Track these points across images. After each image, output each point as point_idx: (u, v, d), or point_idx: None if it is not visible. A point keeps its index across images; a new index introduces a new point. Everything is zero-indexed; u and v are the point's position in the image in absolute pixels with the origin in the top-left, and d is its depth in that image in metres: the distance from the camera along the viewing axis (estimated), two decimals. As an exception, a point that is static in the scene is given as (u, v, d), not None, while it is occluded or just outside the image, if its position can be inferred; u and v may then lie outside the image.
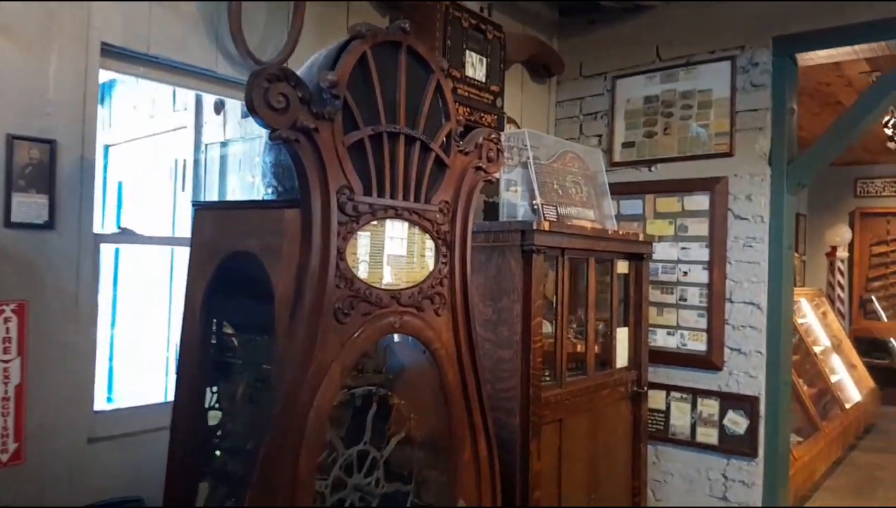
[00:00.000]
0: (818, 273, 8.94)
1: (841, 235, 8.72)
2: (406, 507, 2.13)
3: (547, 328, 2.77)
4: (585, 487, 2.85)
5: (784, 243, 3.53)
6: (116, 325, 3.36)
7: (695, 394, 3.73)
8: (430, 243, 2.07)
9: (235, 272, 1.89)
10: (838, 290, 8.92)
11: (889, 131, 6.47)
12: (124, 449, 2.31)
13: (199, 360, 1.98)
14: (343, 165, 1.74)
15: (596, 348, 3.06)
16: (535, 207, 2.81)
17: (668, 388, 3.81)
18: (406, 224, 1.99)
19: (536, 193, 2.83)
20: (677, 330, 3.78)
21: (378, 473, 2.06)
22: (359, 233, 1.84)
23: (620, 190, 3.95)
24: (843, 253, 8.83)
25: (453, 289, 2.14)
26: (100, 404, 2.51)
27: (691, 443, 3.73)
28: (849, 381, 7.01)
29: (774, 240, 3.53)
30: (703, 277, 3.71)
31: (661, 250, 3.81)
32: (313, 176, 1.68)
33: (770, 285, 3.54)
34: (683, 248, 3.77)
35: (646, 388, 3.20)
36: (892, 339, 8.96)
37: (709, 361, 3.67)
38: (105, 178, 3.62)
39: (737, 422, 3.59)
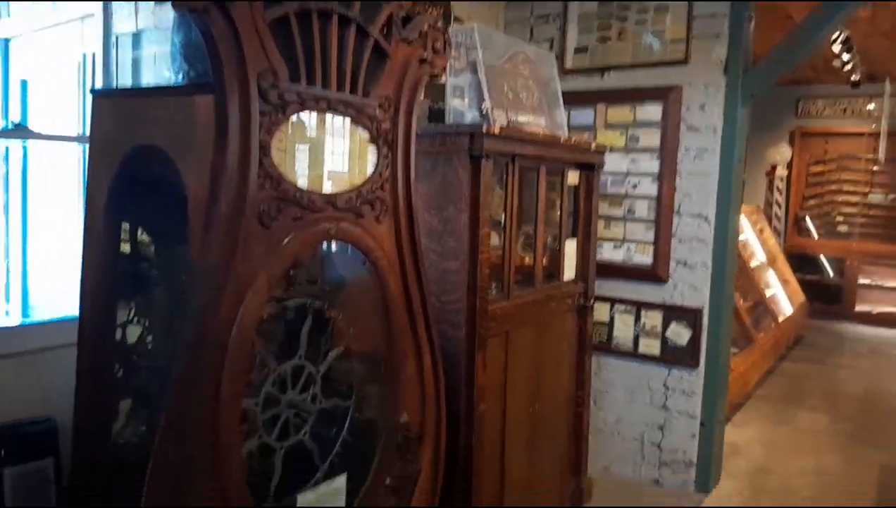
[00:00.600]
0: (757, 191, 9.08)
1: (781, 153, 8.83)
2: (344, 423, 2.01)
3: (495, 240, 2.64)
4: (529, 398, 2.79)
5: (735, 156, 3.46)
6: (29, 233, 3.06)
7: (639, 307, 3.71)
8: (369, 143, 1.88)
9: (144, 170, 1.66)
10: (776, 208, 9.11)
11: (836, 49, 6.44)
12: (32, 367, 2.10)
13: (103, 269, 1.77)
14: (265, 45, 1.51)
15: (544, 260, 2.95)
16: (484, 111, 2.62)
17: (613, 301, 3.78)
18: (341, 119, 1.78)
19: (486, 95, 2.63)
20: (624, 243, 3.72)
21: (315, 389, 1.92)
22: (286, 127, 1.63)
23: (571, 99, 3.75)
24: (782, 172, 8.96)
25: (396, 194, 1.96)
26: (7, 319, 2.28)
27: (634, 354, 3.74)
28: (782, 295, 7.22)
29: (726, 152, 3.45)
30: (652, 189, 3.62)
31: (611, 163, 3.69)
32: (228, 55, 1.45)
33: (719, 199, 3.48)
34: (633, 160, 3.67)
35: (592, 301, 3.13)
36: (822, 255, 9.27)
37: (654, 274, 3.63)
38: (6, 74, 3.24)
39: (679, 334, 3.60)
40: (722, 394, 3.66)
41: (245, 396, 1.72)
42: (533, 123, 2.90)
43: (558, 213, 2.96)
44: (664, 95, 3.53)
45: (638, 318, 3.72)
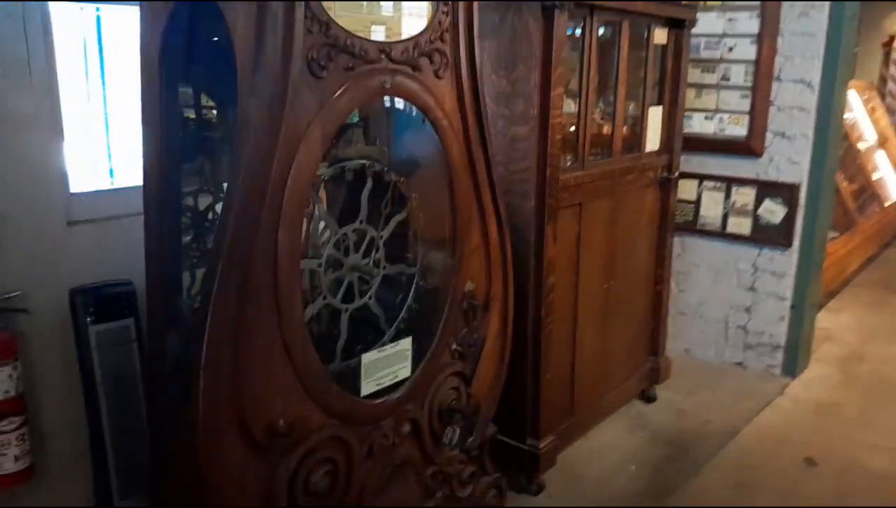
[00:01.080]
0: (870, 65, 8.23)
1: (903, 21, 7.90)
2: (410, 289, 1.98)
3: (570, 106, 2.46)
4: (603, 274, 2.69)
5: (846, 12, 3.06)
6: (108, 100, 3.03)
7: (730, 183, 3.46)
8: (423, -10, 1.72)
9: (195, 23, 1.58)
10: (891, 84, 8.27)
11: None
12: (107, 233, 2.15)
13: (164, 132, 1.73)
14: None
15: (624, 129, 2.76)
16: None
17: (701, 177, 3.54)
18: (396, -39, 1.63)
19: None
20: (716, 114, 3.43)
21: (378, 254, 1.88)
22: (335, -34, 1.50)
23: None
24: (902, 42, 8.06)
25: (457, 47, 1.82)
26: (88, 185, 2.32)
27: (722, 234, 3.53)
28: (892, 179, 6.65)
29: (836, 6, 3.05)
30: (750, 52, 3.28)
31: (705, 23, 3.35)
32: None
33: (826, 62, 3.12)
34: (731, 19, 3.31)
35: (677, 174, 2.93)
36: (943, 136, 8.43)
37: (748, 147, 3.35)
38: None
39: (773, 211, 3.35)
40: (816, 276, 3.43)
41: (305, 256, 1.70)
42: None
43: (642, 76, 2.72)
44: (767, -58, 3.12)
45: (728, 195, 3.48)
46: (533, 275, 2.30)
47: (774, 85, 3.25)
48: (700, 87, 3.45)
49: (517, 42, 2.18)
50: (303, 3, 1.43)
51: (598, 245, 2.63)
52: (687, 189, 3.57)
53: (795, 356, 3.43)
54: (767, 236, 3.38)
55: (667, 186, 2.95)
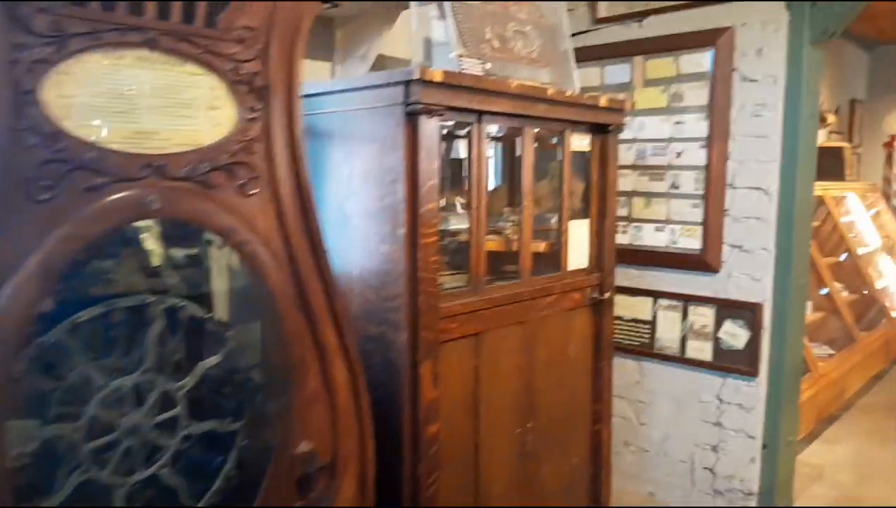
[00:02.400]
0: (874, 166, 7.91)
1: (902, 121, 7.63)
2: (229, 452, 1.59)
3: (462, 221, 2.14)
4: (517, 415, 2.27)
5: (803, 111, 2.75)
6: None
7: (686, 301, 3.07)
8: (222, 90, 1.43)
9: None
10: (895, 185, 7.91)
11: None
12: None
13: None
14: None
15: (542, 246, 2.41)
16: (453, 59, 2.12)
17: (656, 295, 3.16)
18: (173, 58, 1.35)
19: (455, 39, 2.12)
20: (667, 225, 3.09)
21: (178, 410, 1.51)
22: (68, 65, 1.21)
23: (604, 53, 3.19)
24: (903, 143, 7.75)
25: (271, 158, 1.51)
26: None
27: (681, 359, 3.11)
28: (899, 286, 6.19)
29: (792, 106, 2.75)
30: (700, 157, 2.97)
31: (652, 127, 3.08)
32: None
33: (784, 165, 2.79)
34: (678, 123, 3.02)
35: (608, 295, 2.55)
36: (956, 240, 7.97)
37: (703, 261, 2.98)
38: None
39: (735, 334, 2.94)
40: (791, 410, 2.96)
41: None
42: (532, 76, 2.37)
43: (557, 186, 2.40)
44: (712, 39, 2.86)
45: (685, 315, 3.08)
46: (409, 424, 1.90)
47: (728, 193, 2.92)
48: (649, 195, 3.13)
49: (384, 151, 1.88)
50: (18, 108, 1.14)
51: (508, 381, 2.23)
52: (641, 308, 3.19)
53: (771, 503, 2.92)
54: (731, 363, 2.95)
55: (599, 308, 2.57)
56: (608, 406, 2.66)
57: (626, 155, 3.17)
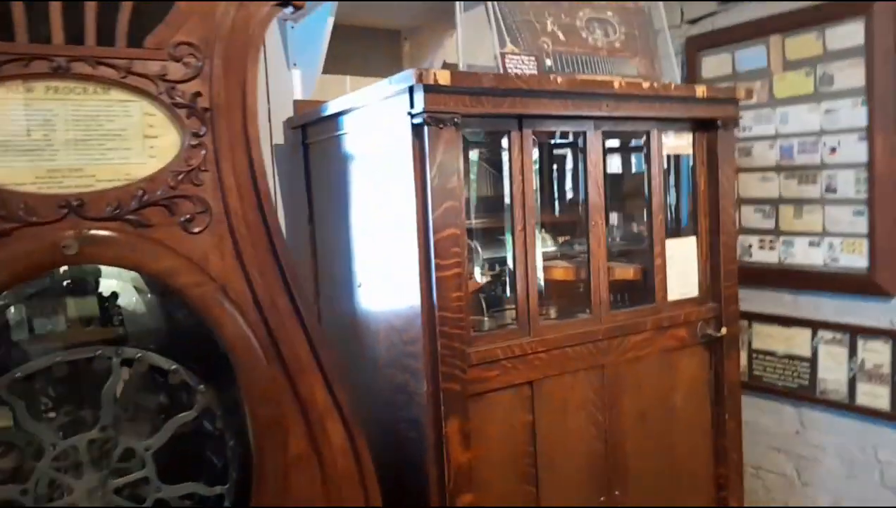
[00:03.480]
0: None
1: None
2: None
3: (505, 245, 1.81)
4: (598, 482, 1.86)
5: None
6: None
7: (853, 334, 2.42)
8: (159, 116, 1.27)
9: None
10: None
11: None
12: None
13: None
14: None
15: (628, 272, 2.00)
16: (497, 57, 1.82)
17: (814, 325, 2.53)
18: (91, 85, 1.21)
19: (496, 36, 1.83)
20: (824, 238, 2.47)
21: (146, 471, 1.37)
22: (-38, 102, 1.12)
23: (733, 35, 2.67)
24: None
25: (223, 188, 1.32)
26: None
27: (850, 406, 2.45)
28: None
29: None
30: (859, 152, 2.33)
31: (797, 119, 2.49)
32: None
33: (981, 154, 2.09)
34: (829, 111, 2.41)
35: (724, 330, 2.04)
36: None
37: (873, 283, 2.32)
38: None
39: (921, 379, 2.25)
40: None
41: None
42: (611, 71, 2.00)
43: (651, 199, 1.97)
44: (865, 5, 2.24)
45: (853, 351, 2.43)
46: (435, 492, 1.60)
47: (903, 194, 2.26)
48: (798, 203, 2.53)
49: (394, 170, 1.63)
50: None
51: (580, 441, 1.84)
52: (798, 342, 2.58)
53: None
54: (918, 415, 2.26)
55: (718, 346, 2.07)
56: (737, 470, 2.13)
57: (766, 155, 2.60)
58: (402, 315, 1.65)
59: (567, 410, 1.81)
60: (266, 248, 1.34)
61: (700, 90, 1.92)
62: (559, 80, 1.67)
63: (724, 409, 2.07)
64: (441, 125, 1.52)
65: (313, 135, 2.04)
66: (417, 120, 1.52)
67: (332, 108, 1.83)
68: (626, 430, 1.91)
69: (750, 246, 2.70)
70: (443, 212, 1.54)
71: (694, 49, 2.82)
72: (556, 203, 2.20)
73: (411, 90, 1.52)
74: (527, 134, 1.70)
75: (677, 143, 2.02)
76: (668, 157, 2.03)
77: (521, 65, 1.81)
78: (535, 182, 1.75)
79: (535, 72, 1.82)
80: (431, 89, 1.49)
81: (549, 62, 1.91)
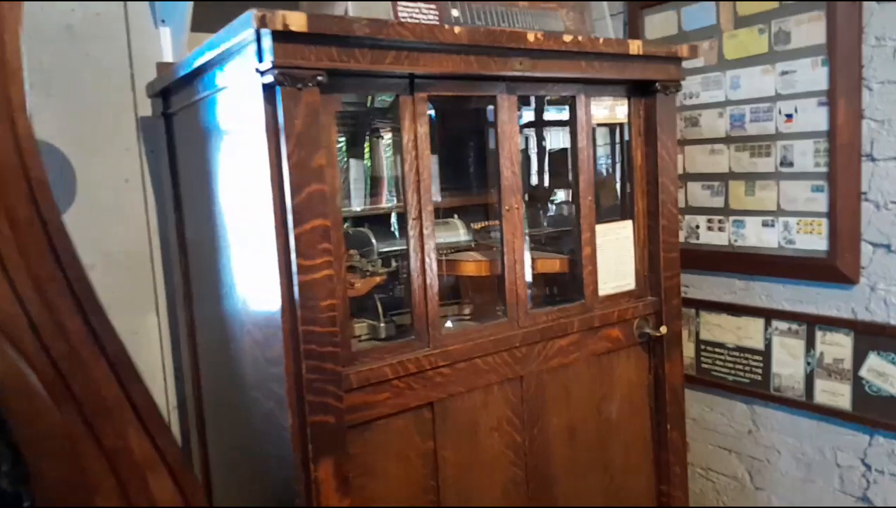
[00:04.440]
0: None
1: None
2: None
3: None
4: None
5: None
6: None
7: (811, 324, 2.17)
8: None
9: None
10: None
11: None
12: None
13: None
14: None
15: (554, 264, 1.69)
16: (390, 12, 1.47)
17: (768, 314, 2.27)
18: None
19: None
20: (778, 217, 2.20)
21: None
22: None
23: (678, -11, 2.36)
24: None
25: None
26: None
27: (807, 405, 2.20)
28: None
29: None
30: (819, 119, 2.06)
31: (750, 83, 2.21)
32: None
33: (953, 121, 1.83)
34: (785, 73, 2.13)
35: (664, 329, 1.76)
36: None
37: (833, 268, 2.07)
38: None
39: (885, 373, 2.00)
40: (983, 486, 1.98)
41: None
42: (532, 25, 1.68)
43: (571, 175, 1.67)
44: (827, -53, 1.95)
45: (811, 344, 2.18)
46: (304, 546, 1.29)
47: (865, 167, 1.99)
48: (751, 177, 2.25)
49: (248, 145, 1.28)
50: None
51: (497, 467, 1.54)
52: (750, 333, 2.32)
53: None
54: (880, 414, 2.02)
55: (659, 348, 1.79)
56: (682, 485, 1.86)
57: (715, 125, 2.32)
58: (263, 328, 1.32)
59: (478, 433, 1.50)
60: (44, 253, 0.99)
61: (634, 46, 1.60)
62: (457, 30, 1.33)
63: (666, 418, 1.80)
64: (299, 85, 1.18)
65: (175, 103, 1.68)
66: (267, 78, 1.17)
67: (184, 67, 1.47)
68: (551, 450, 1.62)
69: (697, 227, 2.42)
70: (305, 198, 1.21)
71: (637, 6, 2.51)
72: (473, 183, 1.88)
73: (259, 40, 1.17)
74: (420, 98, 1.37)
75: (611, 112, 1.70)
76: (612, 129, 1.72)
77: (419, 14, 1.47)
78: (452, 159, 1.42)
79: (434, 23, 1.48)
80: (283, 38, 1.15)
81: (455, 13, 1.58)
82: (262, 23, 1.11)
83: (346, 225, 1.53)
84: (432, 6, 1.51)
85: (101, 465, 1.08)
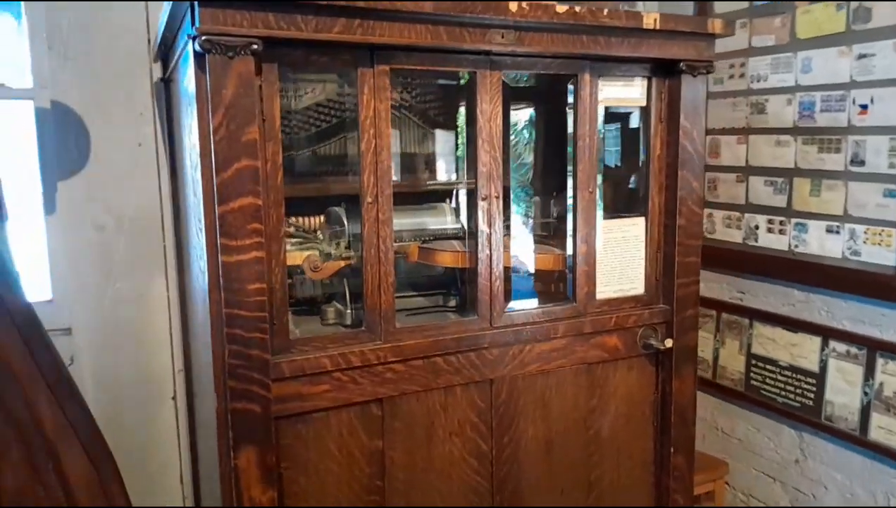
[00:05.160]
0: None
1: None
2: None
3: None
4: (476, 527, 1.46)
5: None
6: None
7: (872, 349, 1.88)
8: None
9: None
10: None
11: None
12: None
13: None
14: None
15: (547, 260, 1.54)
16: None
17: (825, 333, 2.00)
18: None
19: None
20: (844, 223, 1.91)
21: None
22: None
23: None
24: None
25: None
26: None
27: (860, 440, 1.93)
28: None
29: None
30: (898, 112, 1.76)
31: (823, 67, 1.92)
32: None
33: None
34: (862, 56, 1.83)
35: (670, 342, 1.56)
36: None
37: (901, 287, 1.78)
38: None
39: (953, 418, 1.71)
40: None
41: None
42: None
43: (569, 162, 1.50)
44: None
45: (870, 372, 1.89)
46: (226, 537, 1.24)
47: (951, 172, 1.68)
48: (817, 176, 1.97)
49: (187, 118, 1.23)
50: None
51: (450, 475, 1.43)
52: (805, 352, 2.06)
53: None
54: (945, 464, 1.73)
55: (667, 362, 1.60)
56: (685, 515, 1.67)
57: (783, 113, 2.04)
58: (202, 308, 1.27)
59: (435, 436, 1.40)
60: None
61: (650, 18, 1.40)
62: (421, -3, 1.20)
63: (670, 440, 1.61)
64: (230, 54, 1.10)
65: (169, 68, 1.66)
66: (197, 46, 1.10)
67: (160, 31, 1.43)
68: (522, 463, 1.48)
69: (756, 227, 2.16)
70: (233, 175, 1.14)
71: (705, -23, 2.25)
72: (462, 165, 1.73)
73: (192, 4, 1.10)
74: (381, 71, 1.25)
75: (625, 92, 1.52)
76: (628, 114, 1.53)
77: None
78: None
79: (420, -10, 1.35)
80: (211, 2, 1.07)
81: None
82: (199, -17, 1.04)
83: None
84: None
85: (9, 433, 1.07)
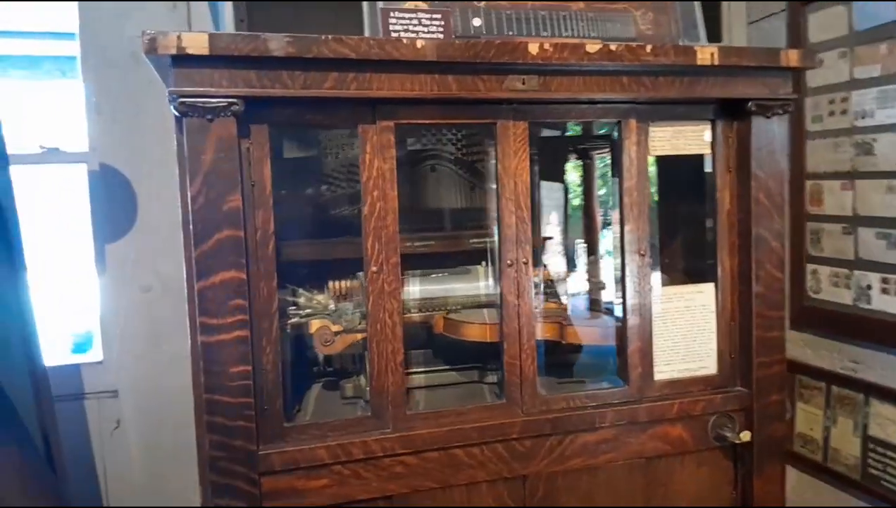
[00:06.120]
0: None
1: None
2: None
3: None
4: None
5: None
6: None
7: None
8: None
9: None
10: None
11: None
12: None
13: None
14: None
15: (593, 334, 1.34)
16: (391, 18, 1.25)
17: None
18: None
19: (388, -13, 1.26)
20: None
21: None
22: None
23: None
24: None
25: None
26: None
27: None
28: None
29: None
30: None
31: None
32: None
33: None
34: None
35: (747, 434, 1.29)
36: None
37: None
38: None
39: None
40: None
41: None
42: (586, 32, 1.37)
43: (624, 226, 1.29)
44: None
45: None
46: None
47: None
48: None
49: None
50: None
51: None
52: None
53: None
54: None
55: (746, 455, 1.34)
56: None
57: (893, 154, 1.74)
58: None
59: (455, 540, 1.21)
60: None
61: (705, 53, 1.19)
62: (419, 44, 1.06)
63: (752, 558, 1.33)
64: (209, 116, 1.01)
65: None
66: (174, 109, 1.02)
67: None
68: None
69: (868, 287, 1.84)
70: (214, 246, 1.03)
71: (798, 4, 1.99)
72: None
73: (173, 64, 1.01)
74: (384, 127, 1.12)
75: (682, 138, 1.30)
76: (688, 163, 1.32)
77: (417, 26, 1.23)
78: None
79: (440, 36, 1.22)
80: (184, 62, 0.98)
81: (476, 21, 1.31)
82: (152, 47, 0.95)
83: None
84: (437, 14, 1.26)
85: None
